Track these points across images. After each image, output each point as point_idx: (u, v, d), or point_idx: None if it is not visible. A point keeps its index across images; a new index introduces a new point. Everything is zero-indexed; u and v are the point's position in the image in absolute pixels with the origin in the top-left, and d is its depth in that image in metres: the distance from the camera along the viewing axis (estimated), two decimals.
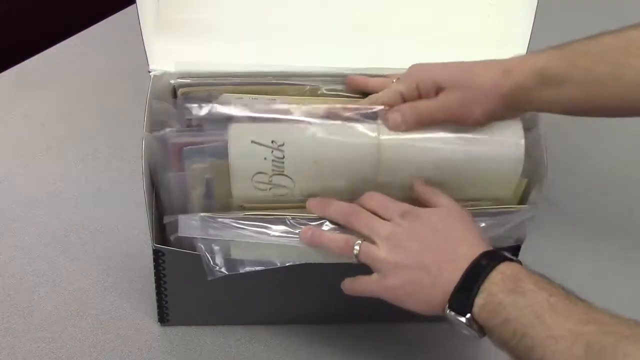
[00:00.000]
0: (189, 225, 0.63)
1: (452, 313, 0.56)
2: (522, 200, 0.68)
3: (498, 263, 0.56)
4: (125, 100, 0.99)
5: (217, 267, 0.63)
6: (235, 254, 0.64)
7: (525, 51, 0.75)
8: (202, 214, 0.63)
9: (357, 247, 0.60)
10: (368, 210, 0.62)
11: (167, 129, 0.66)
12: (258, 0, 0.74)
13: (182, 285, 0.70)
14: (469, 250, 0.57)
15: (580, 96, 0.62)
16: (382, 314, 0.75)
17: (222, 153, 0.64)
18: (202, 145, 0.64)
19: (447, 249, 0.58)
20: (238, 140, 0.63)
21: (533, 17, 0.74)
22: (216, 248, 0.63)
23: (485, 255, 0.57)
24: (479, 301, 0.55)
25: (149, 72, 0.72)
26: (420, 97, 0.65)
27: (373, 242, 0.60)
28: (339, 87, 0.72)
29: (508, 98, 0.62)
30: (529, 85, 0.62)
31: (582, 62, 0.62)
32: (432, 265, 0.57)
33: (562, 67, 0.62)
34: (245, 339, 0.74)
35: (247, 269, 0.63)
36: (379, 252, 0.59)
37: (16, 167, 0.90)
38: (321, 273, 0.67)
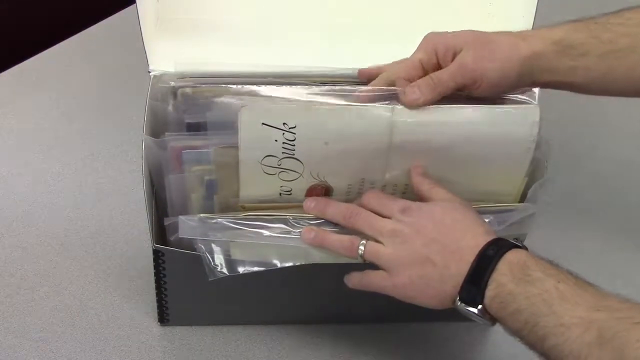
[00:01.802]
0: (189, 227, 0.63)
1: (463, 305, 0.56)
2: (522, 200, 0.68)
3: (504, 252, 0.55)
4: (125, 100, 0.99)
5: (218, 268, 0.63)
6: (236, 255, 0.64)
7: None
8: (201, 215, 0.63)
9: (362, 247, 0.60)
10: (368, 209, 0.62)
11: (167, 133, 0.66)
12: (258, 1, 0.74)
13: (182, 285, 0.70)
14: (474, 240, 0.57)
15: (600, 68, 0.62)
16: (382, 314, 0.75)
17: (222, 156, 0.64)
18: (201, 150, 0.64)
19: (451, 241, 0.58)
20: (248, 122, 0.61)
21: (533, 17, 0.74)
22: (216, 248, 0.63)
23: (490, 244, 0.56)
24: (489, 293, 0.55)
25: (149, 72, 0.72)
26: (438, 64, 0.64)
27: (377, 241, 0.60)
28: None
29: (524, 63, 0.62)
30: (547, 53, 0.62)
31: (604, 34, 0.62)
32: (438, 258, 0.57)
33: (582, 38, 0.62)
34: (245, 339, 0.74)
35: (248, 269, 0.63)
36: (384, 250, 0.59)
37: (16, 167, 0.90)
38: (321, 273, 0.67)
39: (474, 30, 0.64)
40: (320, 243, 0.62)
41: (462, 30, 0.65)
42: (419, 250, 0.58)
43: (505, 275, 0.54)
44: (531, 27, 0.75)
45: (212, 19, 0.74)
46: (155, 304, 0.72)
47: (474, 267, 0.56)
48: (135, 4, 0.70)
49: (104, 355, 0.72)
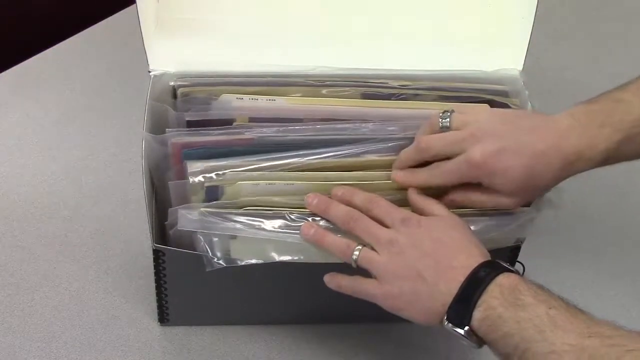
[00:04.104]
0: (189, 219, 0.63)
1: (450, 325, 0.56)
2: None
3: (496, 275, 0.55)
4: (125, 100, 0.99)
5: (216, 259, 0.63)
6: (235, 252, 0.64)
7: (524, 51, 0.75)
8: (202, 208, 0.63)
9: (356, 252, 0.60)
10: (370, 215, 0.62)
11: (168, 130, 0.66)
12: (258, 1, 0.74)
13: (182, 285, 0.70)
14: (467, 260, 0.57)
15: None
16: (382, 314, 0.75)
17: (221, 153, 0.64)
18: (202, 148, 0.64)
19: (445, 258, 0.58)
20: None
21: (533, 17, 0.74)
22: (215, 240, 0.63)
23: (483, 266, 0.56)
24: (477, 314, 0.54)
25: (149, 72, 0.72)
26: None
27: (373, 249, 0.60)
28: (340, 88, 0.72)
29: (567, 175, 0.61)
30: (589, 170, 0.61)
31: None
32: (430, 274, 0.57)
33: (626, 147, 0.60)
34: (245, 339, 0.74)
35: (246, 261, 0.63)
36: (378, 259, 0.59)
37: (16, 167, 0.90)
38: (321, 273, 0.67)
39: (521, 169, 0.60)
40: (318, 241, 0.62)
41: (509, 167, 0.60)
42: (412, 263, 0.58)
43: (496, 298, 0.54)
44: (531, 27, 0.74)
45: (212, 19, 0.74)
46: (155, 304, 0.72)
47: (464, 287, 0.55)
48: (135, 4, 0.70)
49: (104, 355, 0.72)
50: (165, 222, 0.66)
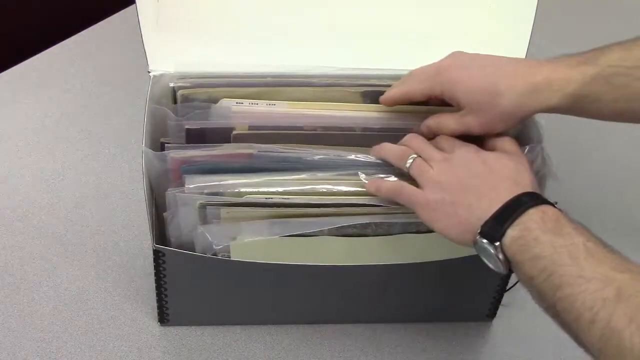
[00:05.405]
0: (189, 211, 0.63)
1: (483, 240, 0.56)
2: None
3: (540, 203, 0.56)
4: (125, 100, 0.99)
5: (215, 243, 0.63)
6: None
7: (525, 51, 0.75)
8: (201, 201, 0.64)
9: (410, 160, 0.62)
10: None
11: (167, 145, 0.66)
12: (258, 1, 0.74)
13: (182, 285, 0.70)
14: (513, 187, 0.58)
15: (614, 111, 0.61)
16: (383, 314, 0.75)
17: (220, 168, 0.65)
18: (201, 164, 0.65)
19: (492, 180, 0.59)
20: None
21: (533, 17, 0.74)
22: (214, 228, 0.63)
23: (528, 194, 0.57)
24: (512, 232, 0.55)
25: (149, 72, 0.72)
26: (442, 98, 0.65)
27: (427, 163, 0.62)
28: (340, 88, 0.72)
29: (531, 115, 0.62)
30: (558, 107, 0.61)
31: (617, 79, 0.59)
32: (474, 191, 0.58)
33: (596, 87, 0.60)
34: (245, 339, 0.74)
35: (246, 237, 0.64)
36: (429, 170, 0.61)
37: (16, 167, 0.90)
38: (322, 274, 0.67)
39: (481, 81, 0.62)
40: (379, 150, 0.65)
41: (469, 78, 0.63)
42: (460, 178, 0.59)
43: (535, 222, 0.54)
44: (531, 27, 0.75)
45: (212, 19, 0.74)
46: (155, 304, 0.72)
47: (505, 207, 0.56)
48: (135, 4, 0.70)
49: (104, 355, 0.72)
50: (164, 213, 0.66)
